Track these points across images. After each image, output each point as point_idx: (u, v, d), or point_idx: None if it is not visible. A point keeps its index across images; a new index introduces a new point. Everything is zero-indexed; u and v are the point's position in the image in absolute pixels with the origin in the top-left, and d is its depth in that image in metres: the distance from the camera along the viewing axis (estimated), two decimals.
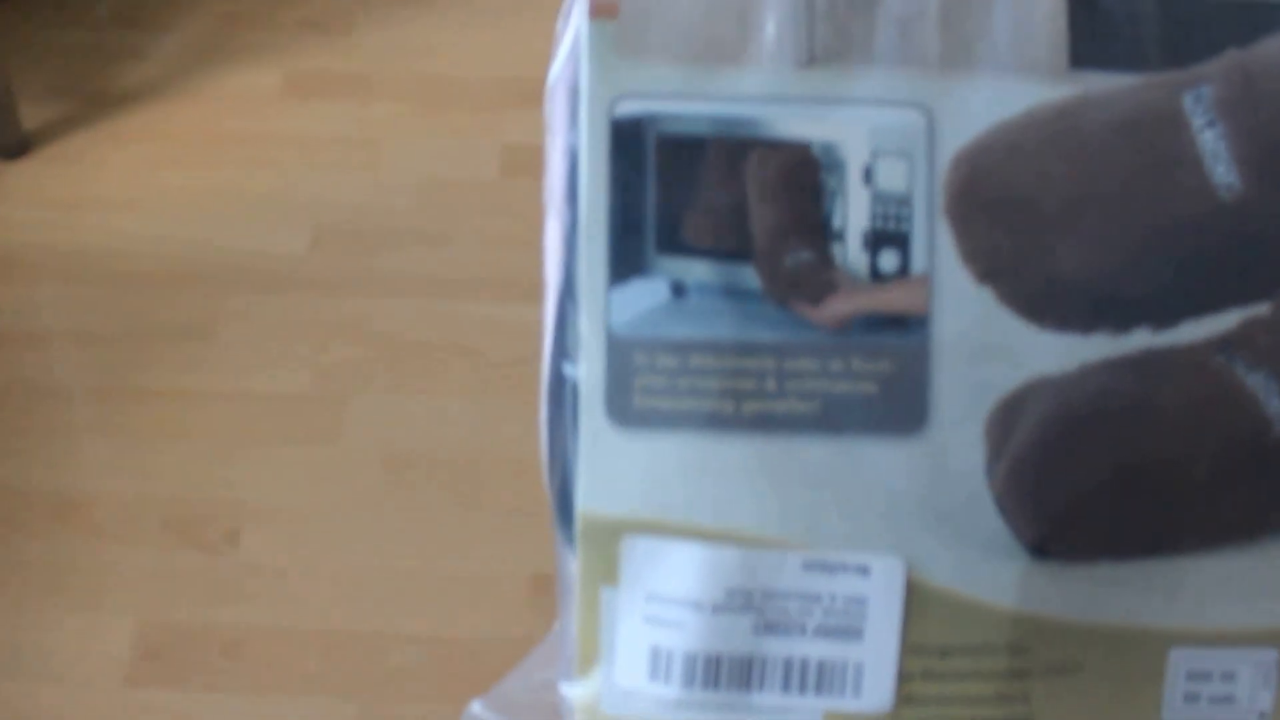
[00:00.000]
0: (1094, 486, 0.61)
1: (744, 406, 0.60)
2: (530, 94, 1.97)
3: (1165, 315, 0.60)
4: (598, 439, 0.61)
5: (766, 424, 0.60)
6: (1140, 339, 0.60)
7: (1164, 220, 0.59)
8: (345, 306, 1.74)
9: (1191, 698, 0.64)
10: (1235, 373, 0.60)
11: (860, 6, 0.59)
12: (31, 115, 1.97)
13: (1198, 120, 0.59)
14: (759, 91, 0.59)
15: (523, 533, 1.52)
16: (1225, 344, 0.60)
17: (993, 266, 0.60)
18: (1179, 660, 0.63)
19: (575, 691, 0.65)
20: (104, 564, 1.54)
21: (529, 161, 1.95)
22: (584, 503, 0.62)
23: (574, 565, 0.63)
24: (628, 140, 0.60)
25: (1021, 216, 0.59)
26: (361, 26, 2.09)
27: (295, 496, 1.59)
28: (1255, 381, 0.60)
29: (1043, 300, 0.60)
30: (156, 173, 1.91)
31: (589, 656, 0.63)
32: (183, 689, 1.45)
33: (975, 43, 0.59)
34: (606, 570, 0.62)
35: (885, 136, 0.59)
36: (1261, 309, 0.60)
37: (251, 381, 1.68)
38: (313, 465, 1.61)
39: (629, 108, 0.60)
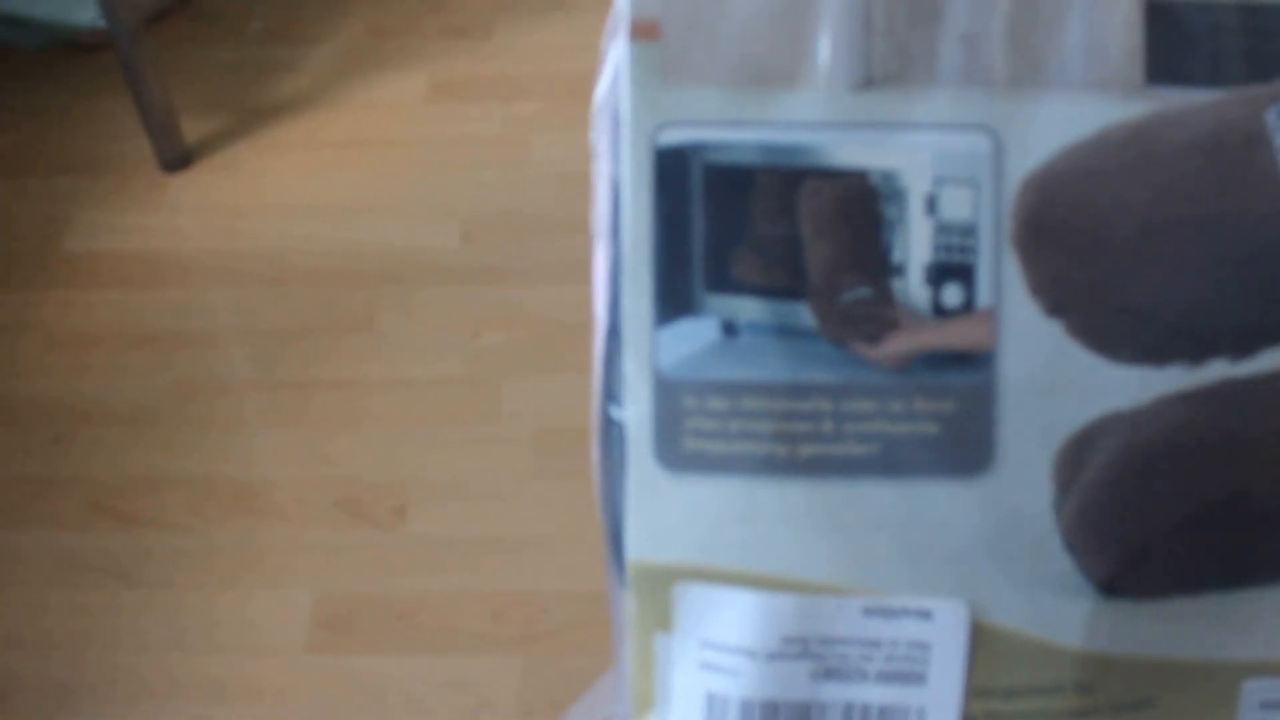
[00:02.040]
0: (1167, 523, 0.56)
1: (799, 450, 0.55)
2: None
3: (1244, 345, 0.54)
4: (646, 484, 0.56)
5: (823, 468, 0.55)
6: (1217, 369, 0.54)
7: (1244, 245, 0.54)
8: (495, 295, 1.79)
9: None
10: None
11: (921, 23, 0.53)
12: (192, 129, 2.04)
13: None
14: (812, 117, 0.54)
15: None
16: None
17: (1063, 298, 0.54)
18: (1253, 691, 0.59)
19: None
20: (284, 544, 1.60)
21: None
22: (634, 550, 0.57)
23: (627, 609, 0.59)
24: (672, 170, 0.54)
25: (1094, 245, 0.54)
26: (500, 31, 2.13)
27: (456, 473, 1.64)
28: None
29: (1115, 332, 0.54)
30: (312, 178, 1.98)
31: (644, 702, 0.60)
32: (362, 653, 1.52)
33: (1045, 60, 0.53)
34: (659, 617, 0.58)
35: (949, 163, 0.54)
36: None
37: (412, 369, 1.73)
38: (471, 443, 1.66)
39: (673, 136, 0.54)
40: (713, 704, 0.58)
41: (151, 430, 1.76)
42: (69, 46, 2.17)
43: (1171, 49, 0.54)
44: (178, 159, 2.00)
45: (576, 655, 1.50)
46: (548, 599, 1.55)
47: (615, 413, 0.57)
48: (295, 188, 1.97)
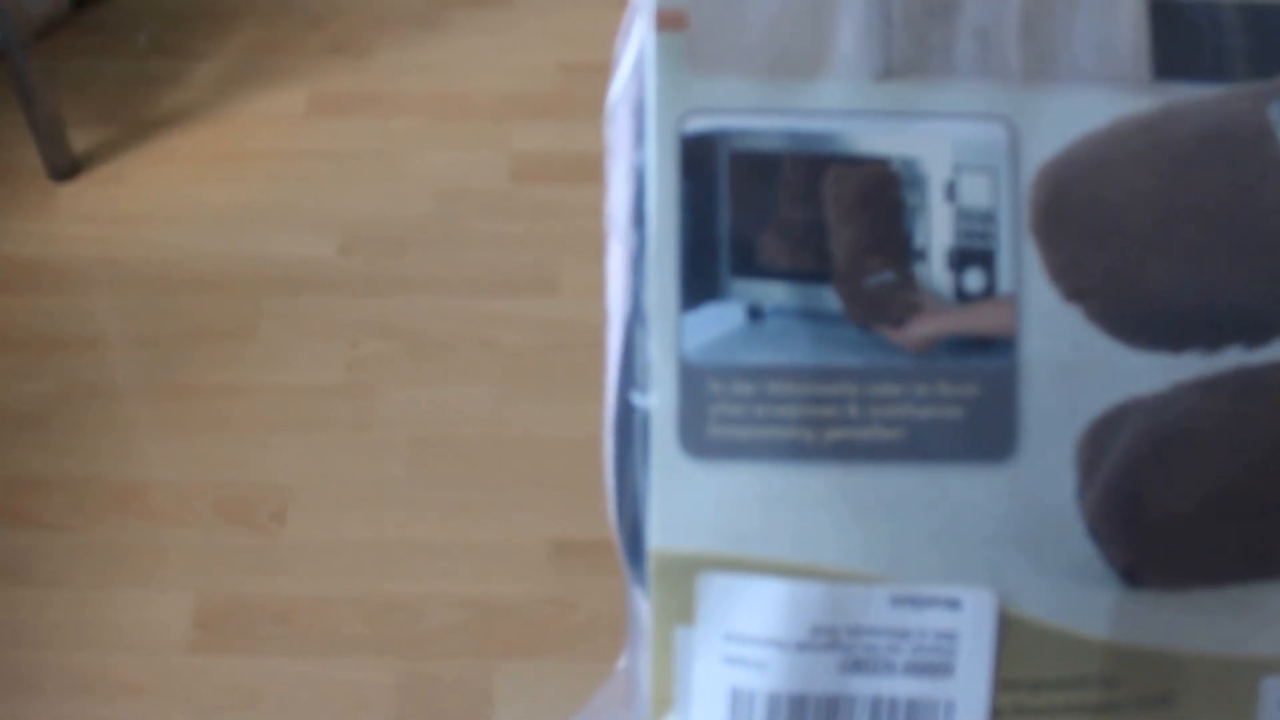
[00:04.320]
0: (1189, 510, 0.54)
1: (825, 435, 0.53)
2: (534, 106, 2.01)
3: (1259, 332, 0.53)
4: (671, 471, 0.54)
5: (849, 452, 0.53)
6: (1233, 357, 0.53)
7: (1253, 234, 0.53)
8: (373, 306, 1.75)
9: None
10: None
11: (939, 16, 0.53)
12: (80, 139, 1.98)
13: None
14: (836, 105, 0.52)
15: (541, 503, 1.54)
16: None
17: (1082, 284, 0.53)
18: (1271, 689, 0.57)
19: None
20: (162, 545, 1.57)
21: (536, 168, 2.00)
22: (657, 539, 0.54)
23: (644, 605, 0.56)
24: (698, 158, 0.53)
25: (1110, 232, 0.53)
26: (379, 49, 2.10)
27: (334, 478, 1.60)
28: None
29: (1133, 318, 0.53)
30: (196, 189, 1.93)
31: (664, 700, 0.56)
32: (239, 654, 1.49)
33: (1057, 53, 0.53)
34: (681, 609, 0.55)
35: (967, 150, 0.53)
36: None
37: (290, 376, 1.69)
38: (348, 450, 1.62)
39: (699, 124, 0.53)
40: (738, 699, 0.55)
41: (31, 431, 1.71)
42: None
43: (1176, 46, 0.53)
44: (65, 168, 1.96)
45: (451, 659, 1.47)
46: (422, 603, 1.52)
47: (638, 400, 0.54)
48: (179, 198, 1.93)
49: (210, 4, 2.22)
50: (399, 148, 1.98)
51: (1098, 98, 0.53)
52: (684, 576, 0.54)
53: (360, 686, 1.45)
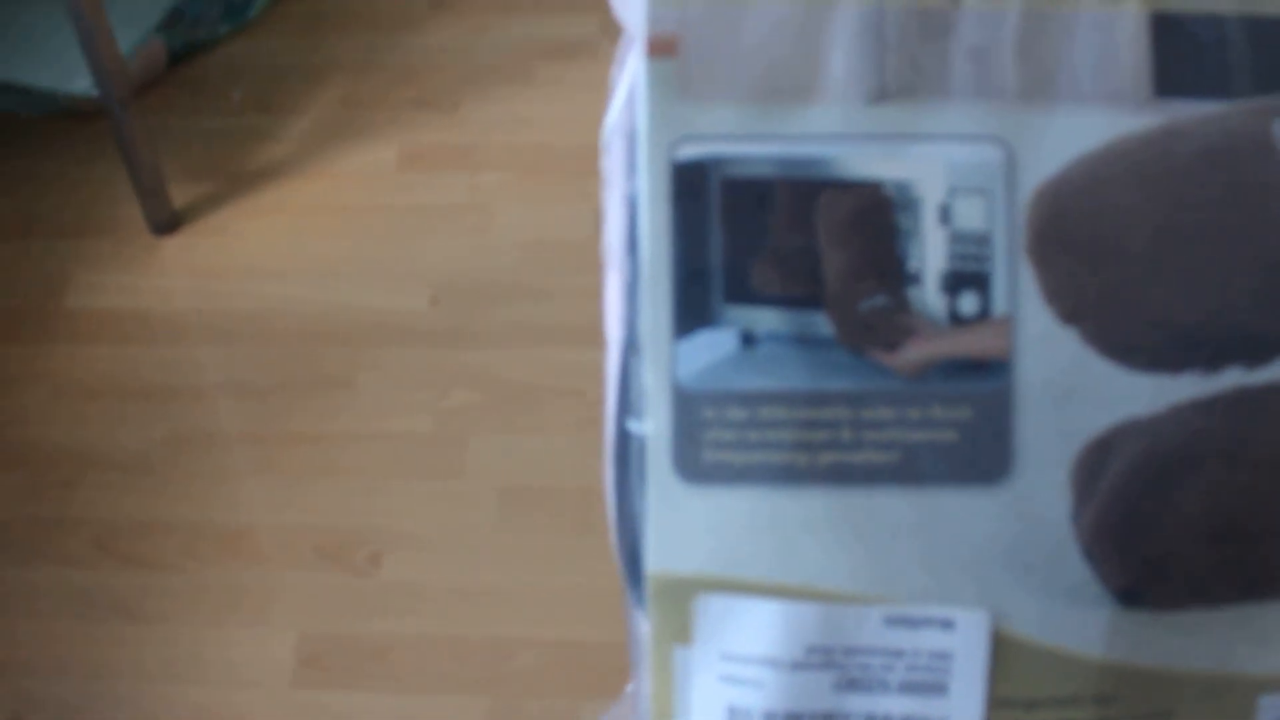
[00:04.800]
0: (1185, 532, 0.53)
1: (819, 458, 0.53)
2: None
3: (1259, 352, 0.52)
4: (666, 496, 0.53)
5: (843, 476, 0.53)
6: (1232, 377, 0.52)
7: (1254, 253, 0.51)
8: (463, 356, 1.79)
9: None
10: None
11: (933, 37, 0.51)
12: (179, 194, 2.05)
13: None
14: (828, 130, 0.52)
15: None
16: None
17: (1078, 306, 0.52)
18: (1269, 707, 0.56)
19: None
20: (269, 586, 1.61)
21: None
22: (654, 562, 0.54)
23: (645, 625, 0.56)
24: (690, 184, 0.52)
25: (1107, 253, 0.52)
26: (467, 103, 2.13)
27: (427, 524, 1.63)
28: None
29: (1131, 340, 0.52)
30: (292, 242, 1.98)
31: (664, 716, 0.56)
32: (339, 690, 1.51)
33: (1055, 73, 0.51)
34: (679, 630, 0.55)
35: (962, 173, 0.52)
36: None
37: (385, 424, 1.72)
38: (441, 497, 1.65)
39: (691, 150, 0.52)
40: (735, 717, 0.55)
41: (147, 477, 1.76)
42: (66, 115, 2.17)
43: (1178, 62, 0.52)
44: (166, 222, 2.00)
45: (536, 697, 1.51)
46: (511, 644, 1.55)
47: (634, 427, 0.54)
48: (275, 251, 1.97)
49: (302, 60, 2.25)
50: (487, 201, 2.01)
51: (1096, 117, 0.52)
52: (681, 598, 0.54)
53: None
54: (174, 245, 2.01)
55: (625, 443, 0.56)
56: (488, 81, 2.18)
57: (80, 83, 1.99)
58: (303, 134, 2.13)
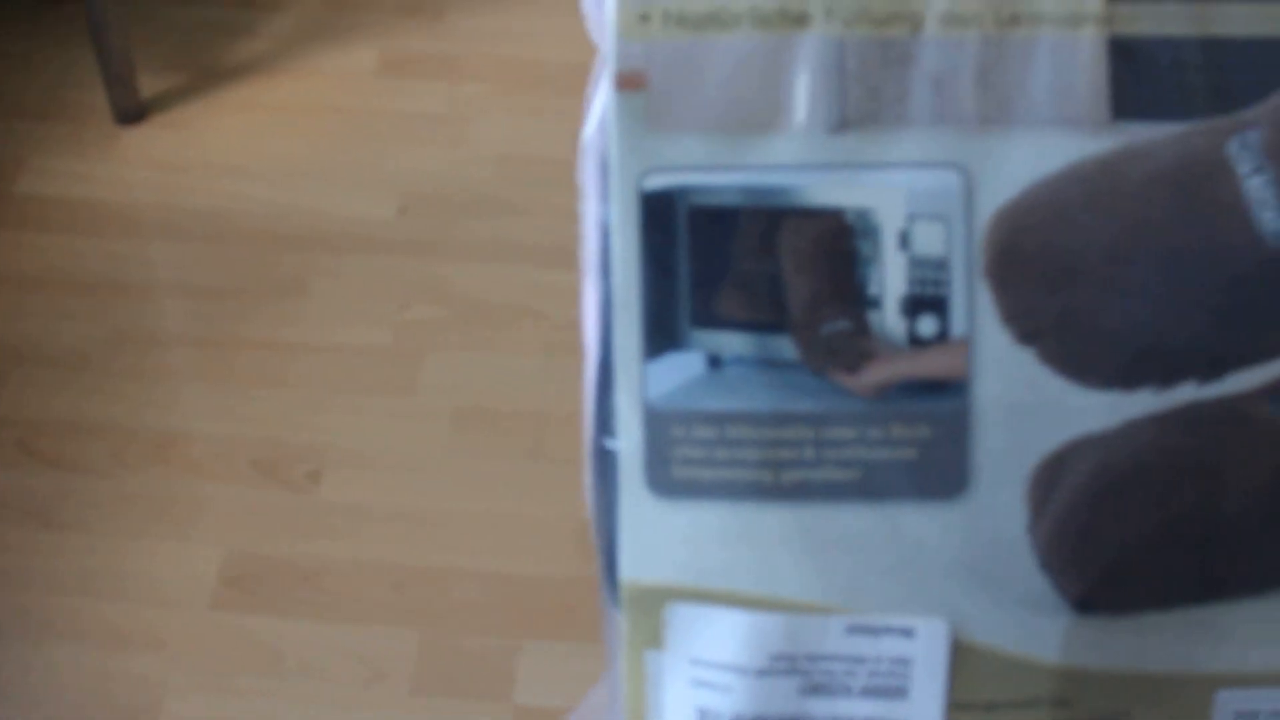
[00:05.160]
0: (1140, 542, 0.56)
1: (783, 475, 0.55)
2: None
3: (1211, 368, 0.54)
4: (638, 509, 0.56)
5: (806, 492, 0.55)
6: (1185, 393, 0.54)
7: (1209, 272, 0.53)
8: (426, 269, 1.74)
9: None
10: None
11: (893, 66, 0.53)
12: (149, 84, 1.96)
13: (1244, 167, 0.53)
14: (791, 159, 0.53)
15: (577, 482, 1.51)
16: (1274, 390, 0.55)
17: (1035, 327, 0.54)
18: (1226, 701, 0.58)
19: None
20: (198, 498, 1.55)
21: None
22: (627, 571, 0.57)
23: (620, 627, 0.59)
24: (659, 213, 0.54)
25: (1065, 274, 0.53)
26: (453, 12, 2.07)
27: (373, 442, 1.58)
28: None
29: (1086, 359, 0.54)
30: (260, 141, 1.91)
31: (637, 716, 0.60)
32: (264, 614, 1.47)
33: (1013, 98, 0.53)
34: (651, 635, 0.58)
35: (921, 199, 0.53)
36: None
37: (339, 335, 1.68)
38: (390, 414, 1.61)
39: (659, 181, 0.54)
40: (705, 719, 0.58)
41: (82, 375, 1.71)
42: None
43: (1136, 85, 0.53)
44: (132, 112, 1.96)
45: (473, 634, 1.46)
46: (451, 576, 1.50)
47: (609, 443, 0.57)
48: (242, 148, 1.92)
49: None
50: (466, 112, 1.95)
51: (1054, 141, 0.53)
52: (653, 606, 0.57)
53: (382, 655, 1.44)
54: (137, 136, 1.96)
55: (603, 456, 0.59)
56: None
57: None
58: (283, 31, 2.08)
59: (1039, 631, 0.56)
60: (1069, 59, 0.53)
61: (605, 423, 0.57)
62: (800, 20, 0.53)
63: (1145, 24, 0.53)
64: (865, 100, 0.53)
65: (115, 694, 1.45)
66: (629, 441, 0.56)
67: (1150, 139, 0.53)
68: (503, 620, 1.45)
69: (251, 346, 1.68)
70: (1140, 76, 0.53)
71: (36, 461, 1.60)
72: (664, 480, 0.56)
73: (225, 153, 1.90)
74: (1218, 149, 0.53)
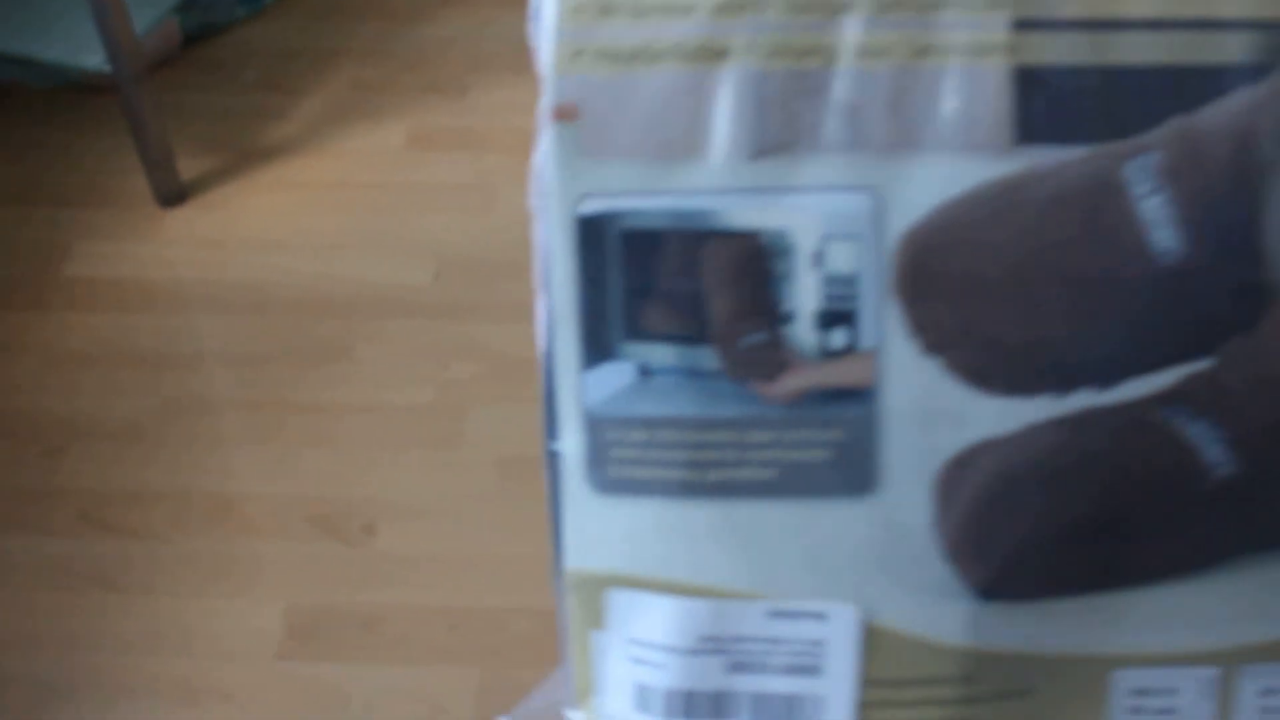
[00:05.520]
0: (1038, 536, 0.59)
1: (708, 475, 0.58)
2: None
3: (1107, 377, 0.57)
4: (580, 504, 0.60)
5: (729, 490, 0.58)
6: (1083, 399, 0.57)
7: (1105, 287, 0.56)
8: (464, 329, 1.79)
9: (1135, 711, 0.62)
10: (1175, 425, 0.58)
11: (809, 96, 0.56)
12: (188, 168, 2.03)
13: (1139, 189, 0.56)
14: (713, 184, 0.56)
15: None
16: (1166, 398, 0.57)
17: (939, 339, 0.57)
18: (1122, 679, 0.62)
19: (576, 717, 0.66)
20: (257, 556, 1.59)
21: None
22: (571, 560, 0.61)
23: (568, 610, 0.64)
24: (593, 236, 0.57)
25: (967, 290, 0.56)
26: (474, 89, 2.14)
27: (424, 494, 1.63)
28: (1196, 431, 0.58)
29: (988, 368, 0.57)
30: (297, 216, 1.97)
31: (584, 689, 0.64)
32: (327, 661, 1.50)
33: (922, 125, 0.56)
34: (594, 617, 0.62)
35: (835, 221, 0.56)
36: (1202, 364, 0.57)
37: (384, 395, 1.73)
38: (438, 466, 1.65)
39: (593, 205, 0.57)
40: (640, 693, 0.62)
41: (138, 445, 1.74)
42: (76, 88, 2.13)
43: (1039, 112, 0.56)
44: (173, 195, 2.00)
45: (529, 667, 1.47)
46: (503, 614, 1.54)
47: (552, 444, 0.61)
48: (280, 225, 1.97)
49: (314, 44, 2.26)
50: (492, 181, 2.01)
51: (961, 165, 0.56)
52: (595, 591, 0.61)
53: (443, 693, 1.48)
54: (179, 217, 2.02)
55: (553, 458, 0.62)
56: (495, 69, 2.19)
57: (92, 58, 2.03)
58: (312, 114, 2.13)
59: (944, 616, 0.59)
60: (976, 88, 0.55)
61: (552, 427, 0.61)
62: (721, 54, 0.55)
63: (1048, 54, 0.55)
64: (782, 128, 0.56)
65: None
66: (571, 444, 0.60)
67: (1052, 163, 0.56)
68: (556, 653, 1.46)
69: (300, 409, 1.73)
70: (1043, 103, 0.56)
71: (99, 530, 1.64)
72: (602, 479, 0.60)
73: (264, 229, 1.97)
74: (1115, 172, 0.56)
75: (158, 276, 1.93)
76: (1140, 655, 0.61)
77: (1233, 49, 0.55)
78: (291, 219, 1.98)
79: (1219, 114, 0.56)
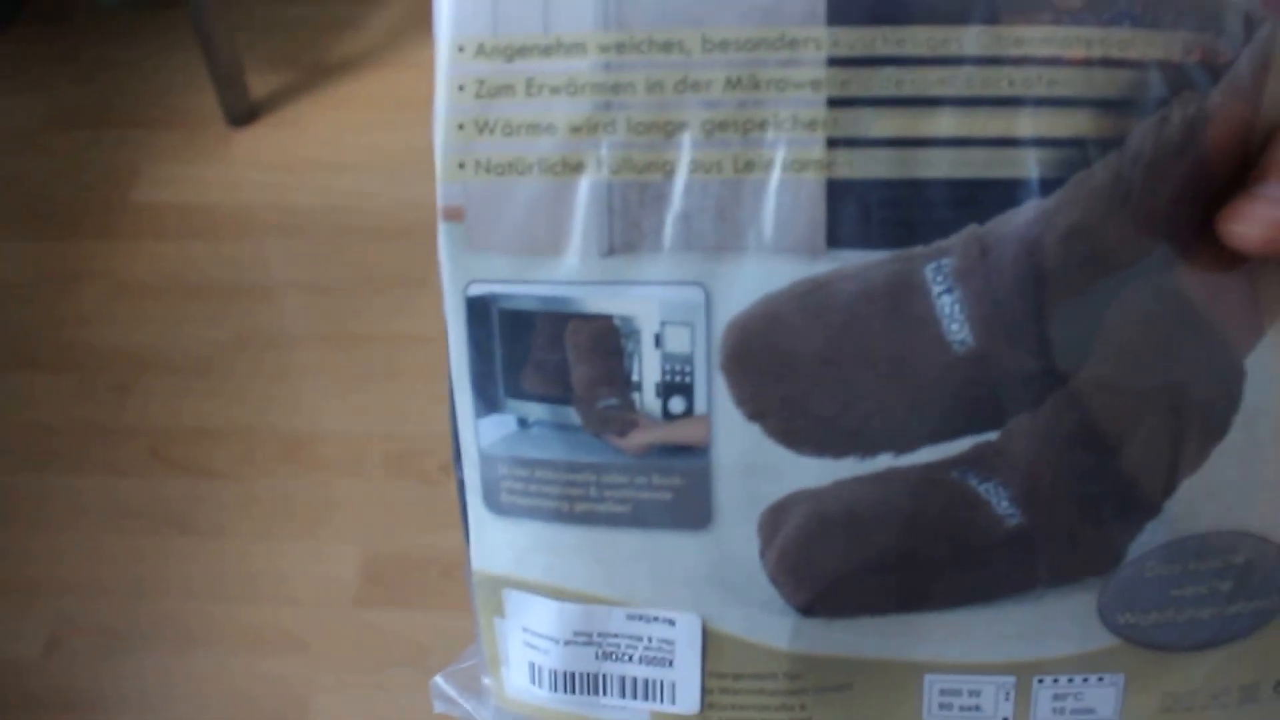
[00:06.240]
0: (847, 569, 0.69)
1: (575, 506, 0.70)
2: None
3: (906, 444, 0.67)
4: (480, 521, 0.73)
5: (592, 519, 0.70)
6: (884, 461, 0.67)
7: (905, 370, 0.65)
8: None
9: (945, 707, 0.73)
10: (968, 483, 0.67)
11: (651, 204, 0.65)
12: (258, 85, 1.94)
13: (937, 287, 0.64)
14: (571, 276, 0.66)
15: None
16: (958, 462, 0.67)
17: (760, 409, 0.67)
18: (932, 682, 0.73)
19: (489, 682, 0.79)
20: (330, 497, 1.51)
21: None
22: (476, 563, 0.74)
23: (477, 600, 0.76)
24: (479, 313, 0.68)
25: (783, 368, 0.66)
26: None
27: None
28: (986, 490, 0.67)
29: (801, 434, 0.67)
30: (371, 135, 1.87)
31: (493, 661, 0.77)
32: (406, 608, 1.43)
33: (746, 230, 0.64)
34: (496, 608, 0.75)
35: (672, 309, 0.66)
36: (991, 436, 0.66)
37: None
38: None
39: (478, 289, 0.68)
40: (533, 670, 0.76)
41: (206, 379, 1.67)
42: (144, 3, 2.04)
43: (849, 220, 0.63)
44: (243, 113, 1.92)
45: None
46: None
47: (459, 474, 0.72)
48: (354, 144, 1.87)
49: None
50: None
51: (779, 265, 0.64)
52: (495, 588, 0.75)
53: None
54: (248, 136, 1.94)
55: (461, 481, 0.74)
56: None
57: None
58: (388, 23, 2.04)
59: (772, 626, 0.71)
60: (793, 198, 0.63)
61: (458, 459, 0.72)
62: (578, 168, 0.65)
63: (858, 168, 0.63)
64: (628, 231, 0.65)
65: (261, 697, 1.42)
66: (470, 474, 0.72)
67: (860, 264, 0.64)
68: None
69: (372, 340, 1.64)
70: (853, 212, 0.63)
71: (168, 468, 1.58)
72: (496, 502, 0.72)
73: (337, 149, 1.88)
74: (916, 272, 0.64)
75: (226, 201, 1.84)
76: (945, 664, 0.72)
77: (1026, 165, 0.62)
78: (365, 138, 1.87)
79: (1009, 223, 0.63)
